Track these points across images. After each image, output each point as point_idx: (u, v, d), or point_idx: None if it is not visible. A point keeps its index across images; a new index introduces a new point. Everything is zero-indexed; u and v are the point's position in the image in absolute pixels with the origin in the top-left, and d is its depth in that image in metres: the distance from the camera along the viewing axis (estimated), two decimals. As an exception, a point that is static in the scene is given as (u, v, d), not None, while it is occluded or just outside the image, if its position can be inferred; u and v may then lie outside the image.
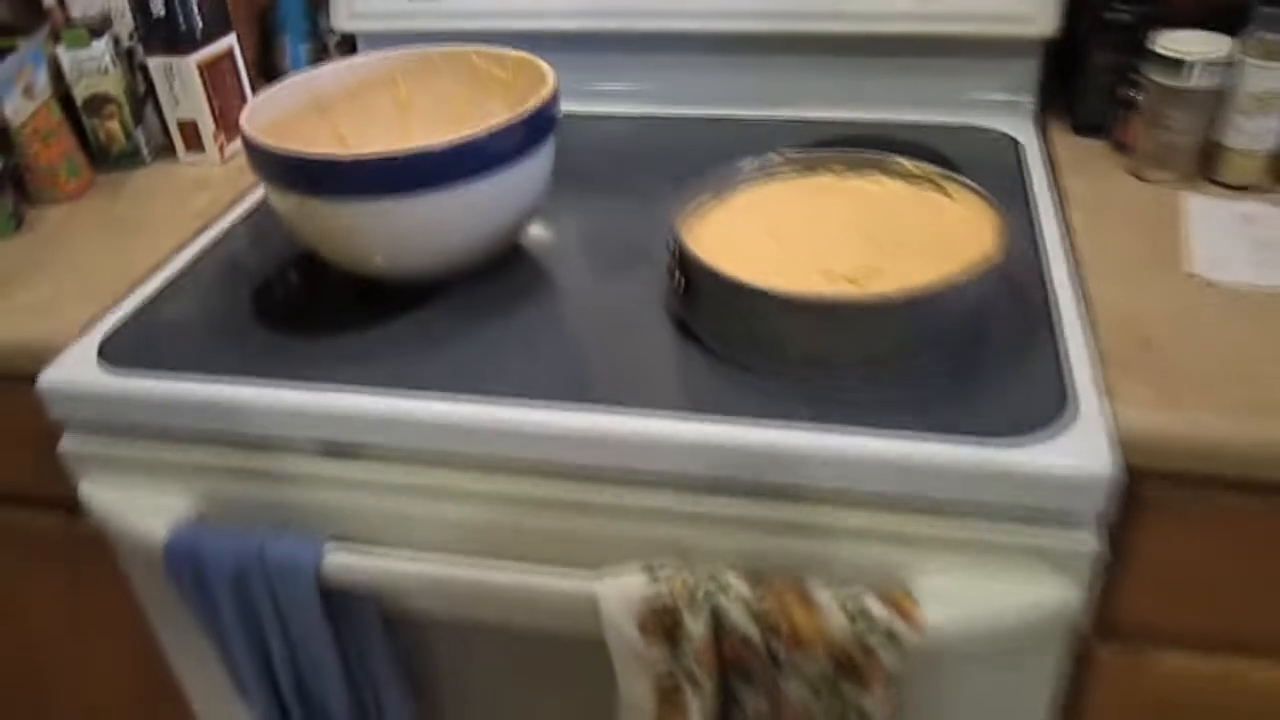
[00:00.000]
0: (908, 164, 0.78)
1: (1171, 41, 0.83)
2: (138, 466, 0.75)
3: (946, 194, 0.77)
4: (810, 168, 0.81)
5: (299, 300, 0.81)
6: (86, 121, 1.00)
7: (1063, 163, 0.92)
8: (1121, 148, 0.91)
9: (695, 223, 0.76)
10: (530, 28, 1.03)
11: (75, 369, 0.74)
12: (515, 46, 0.84)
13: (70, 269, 0.87)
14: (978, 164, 0.92)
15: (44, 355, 0.76)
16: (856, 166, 0.80)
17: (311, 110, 0.85)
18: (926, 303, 0.64)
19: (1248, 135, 0.83)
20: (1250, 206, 0.83)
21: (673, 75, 1.07)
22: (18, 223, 0.93)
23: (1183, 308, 0.71)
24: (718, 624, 0.63)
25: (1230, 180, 0.86)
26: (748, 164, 0.80)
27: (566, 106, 1.08)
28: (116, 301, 0.82)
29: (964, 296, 0.66)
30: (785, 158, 0.80)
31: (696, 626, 0.63)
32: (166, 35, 0.96)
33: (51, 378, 0.74)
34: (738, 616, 0.62)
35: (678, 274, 0.70)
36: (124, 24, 1.00)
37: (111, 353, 0.75)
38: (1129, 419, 0.62)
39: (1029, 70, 0.99)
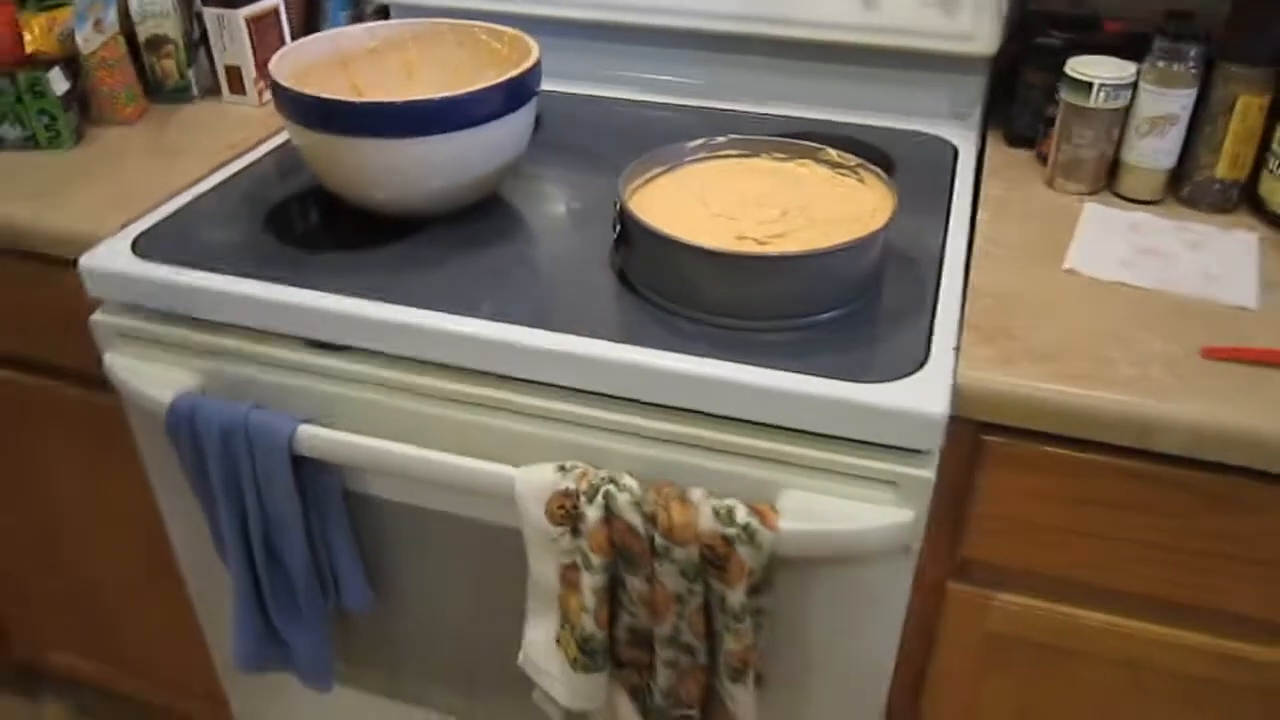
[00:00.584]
0: (834, 154, 0.90)
1: (1081, 65, 0.94)
2: (153, 343, 0.89)
3: (862, 182, 0.88)
4: (753, 152, 0.93)
5: (308, 223, 0.95)
6: (146, 58, 1.15)
7: (990, 169, 1.03)
8: (1043, 159, 1.02)
9: (642, 188, 0.88)
10: (536, 12, 1.16)
11: (111, 256, 0.88)
12: (518, 27, 0.97)
13: (117, 179, 1.01)
14: (914, 163, 1.04)
15: (87, 244, 0.91)
16: (792, 154, 0.92)
17: (334, 64, 0.99)
18: (810, 261, 0.76)
19: (1142, 153, 0.94)
20: (1141, 217, 0.94)
21: (658, 66, 1.19)
22: (78, 137, 1.08)
23: (1048, 294, 0.82)
24: (609, 513, 0.76)
25: (1129, 193, 0.96)
26: (696, 144, 0.92)
27: (560, 87, 1.21)
28: (153, 207, 0.96)
29: (847, 260, 0.77)
30: (730, 141, 0.93)
31: (592, 513, 0.76)
32: (221, -11, 1.11)
33: (90, 260, 0.88)
34: (625, 506, 0.75)
35: (616, 225, 0.83)
36: (186, -24, 1.15)
37: (143, 246, 0.89)
38: (966, 374, 0.74)
39: (975, 85, 1.10)
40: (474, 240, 0.91)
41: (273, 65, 0.89)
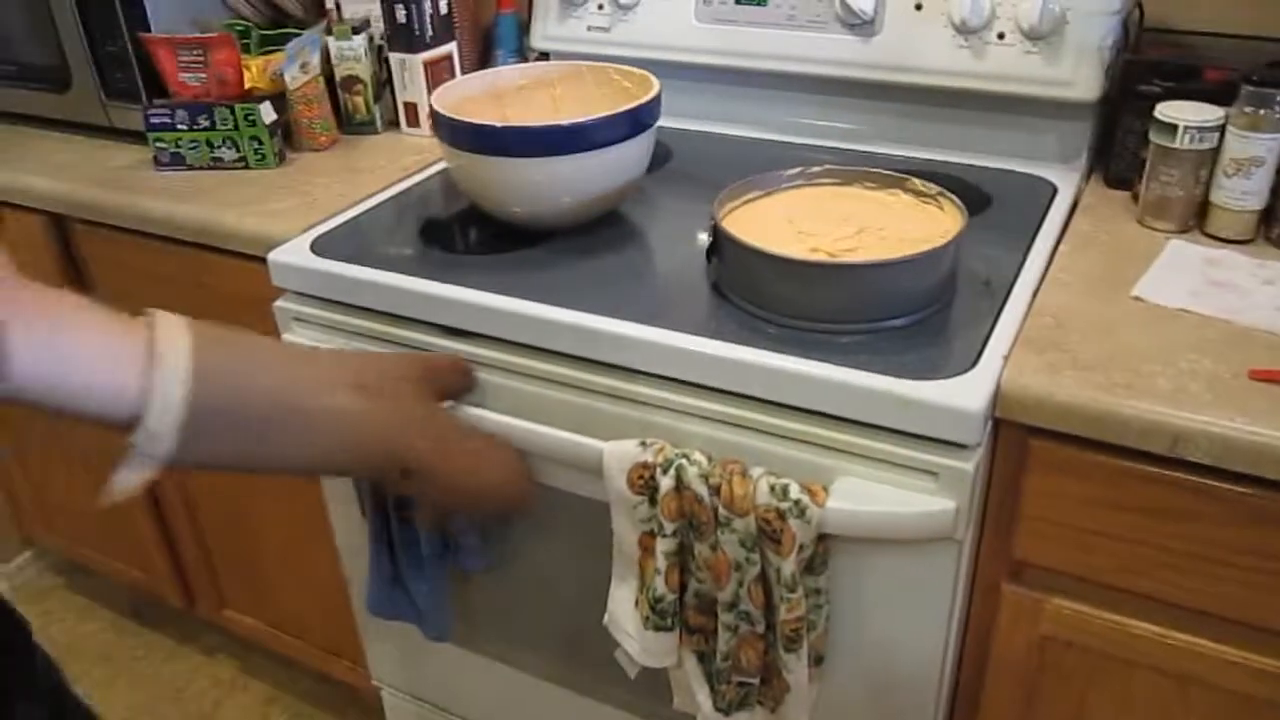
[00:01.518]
0: (919, 184, 0.98)
1: (1170, 109, 0.99)
2: (322, 325, 1.06)
3: (942, 209, 0.96)
4: (845, 181, 1.02)
5: (457, 232, 1.11)
6: (340, 95, 1.35)
7: (1083, 207, 1.09)
8: (1138, 200, 1.07)
9: (739, 208, 0.99)
10: (673, 59, 1.30)
11: (294, 253, 1.06)
12: (657, 72, 1.10)
13: (307, 193, 1.20)
14: (1010, 200, 1.10)
15: (278, 243, 1.09)
16: (881, 183, 1.01)
17: (489, 98, 1.15)
18: (869, 270, 0.85)
19: (1229, 193, 0.98)
20: (1221, 253, 0.97)
21: (782, 109, 1.30)
22: (280, 159, 1.29)
23: (1107, 317, 0.88)
24: (680, 483, 0.86)
25: (1217, 232, 1.00)
26: (793, 171, 1.02)
27: (693, 125, 1.34)
28: (332, 216, 1.14)
29: (908, 271, 0.86)
30: (825, 170, 1.02)
31: (666, 483, 0.86)
32: (405, 38, 1.30)
33: (277, 255, 1.06)
34: (694, 478, 0.85)
35: (709, 236, 0.94)
36: (378, 26, 1.35)
37: (320, 246, 1.07)
38: (1011, 378, 0.80)
39: (1081, 130, 1.16)
40: (591, 250, 1.04)
41: (435, 96, 1.06)
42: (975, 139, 1.21)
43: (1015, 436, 0.83)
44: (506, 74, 1.17)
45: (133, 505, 1.55)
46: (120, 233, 1.26)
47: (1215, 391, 0.78)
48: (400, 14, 1.28)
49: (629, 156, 1.04)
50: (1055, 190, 1.13)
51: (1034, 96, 1.13)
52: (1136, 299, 0.90)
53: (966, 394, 0.79)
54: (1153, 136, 1.00)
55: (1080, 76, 1.10)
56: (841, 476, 0.85)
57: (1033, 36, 1.11)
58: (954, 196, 0.95)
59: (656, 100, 1.04)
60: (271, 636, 1.60)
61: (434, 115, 1.03)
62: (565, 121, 0.98)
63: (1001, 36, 1.13)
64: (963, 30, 1.13)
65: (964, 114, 1.20)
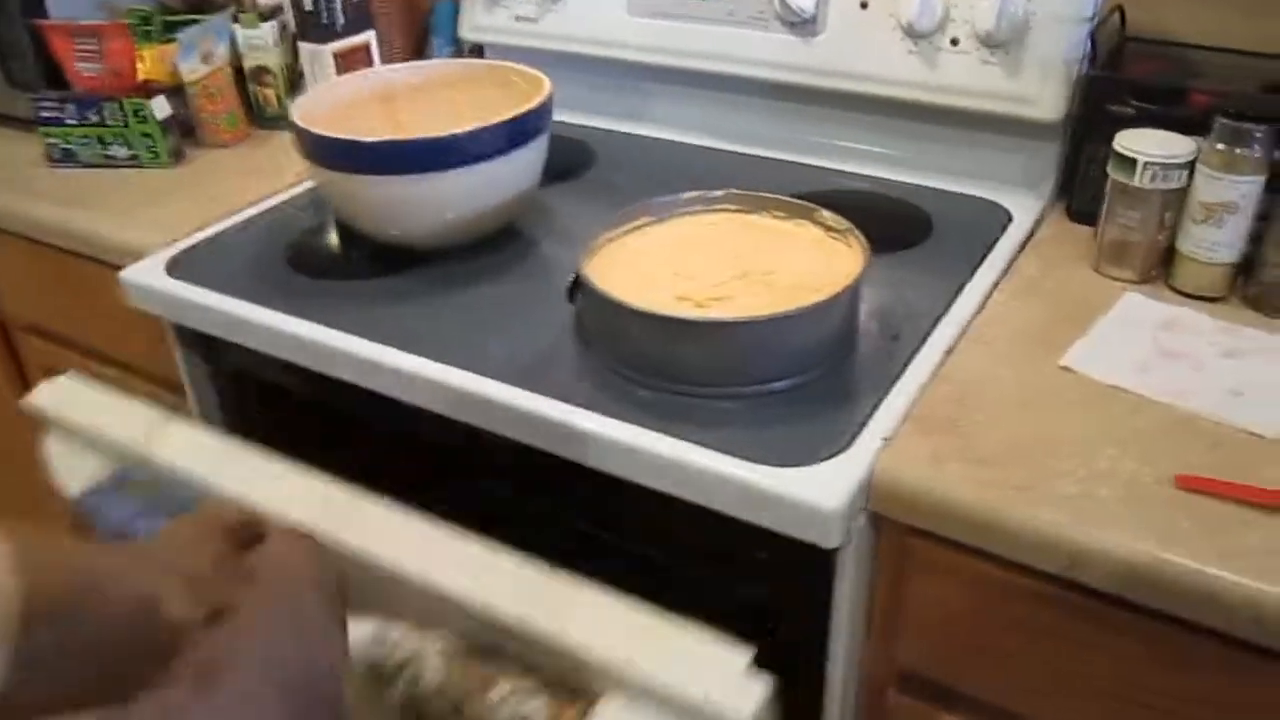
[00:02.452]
0: (829, 217, 0.85)
1: (1130, 139, 0.83)
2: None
3: (850, 247, 0.83)
4: (752, 208, 0.89)
5: (328, 252, 1.00)
6: (250, 87, 1.25)
7: (1035, 243, 0.94)
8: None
9: (623, 237, 0.87)
10: (603, 54, 1.17)
11: (146, 273, 0.96)
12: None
13: (196, 197, 1.10)
14: (955, 229, 0.96)
15: (136, 257, 0.99)
16: (791, 213, 0.88)
17: (379, 100, 1.04)
18: (737, 329, 0.72)
19: (1197, 242, 0.82)
20: (1182, 313, 0.82)
21: (724, 112, 1.17)
22: (177, 157, 1.19)
23: (1024, 391, 0.74)
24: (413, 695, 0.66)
25: (1183, 286, 0.85)
26: (692, 196, 0.89)
27: (621, 126, 1.22)
28: (208, 225, 1.04)
29: (782, 329, 0.73)
30: (727, 195, 0.89)
31: (394, 693, 0.67)
32: (314, 26, 1.19)
33: (128, 275, 0.97)
34: (430, 690, 0.62)
35: (572, 276, 0.82)
36: (290, 14, 1.24)
37: (177, 264, 0.97)
38: (886, 466, 0.67)
39: (1048, 154, 1.00)
40: (473, 277, 0.92)
41: (300, 101, 0.95)
42: (929, 157, 1.06)
43: (895, 532, 0.70)
44: (400, 73, 1.05)
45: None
46: (11, 236, 1.18)
47: (1130, 502, 0.64)
48: (307, 1, 1.17)
49: (514, 170, 0.92)
50: (1009, 220, 0.98)
51: (990, 113, 0.98)
52: (1065, 369, 0.76)
53: (826, 487, 0.66)
54: (1110, 170, 0.85)
55: (1044, 92, 0.95)
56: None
57: (990, 44, 0.96)
58: (861, 236, 0.81)
59: (544, 108, 0.92)
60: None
61: (292, 126, 0.92)
62: (432, 135, 0.87)
63: (955, 43, 0.98)
64: (912, 34, 0.99)
65: (916, 127, 1.06)
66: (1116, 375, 0.75)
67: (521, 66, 1.01)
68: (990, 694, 0.72)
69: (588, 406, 0.74)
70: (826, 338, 0.76)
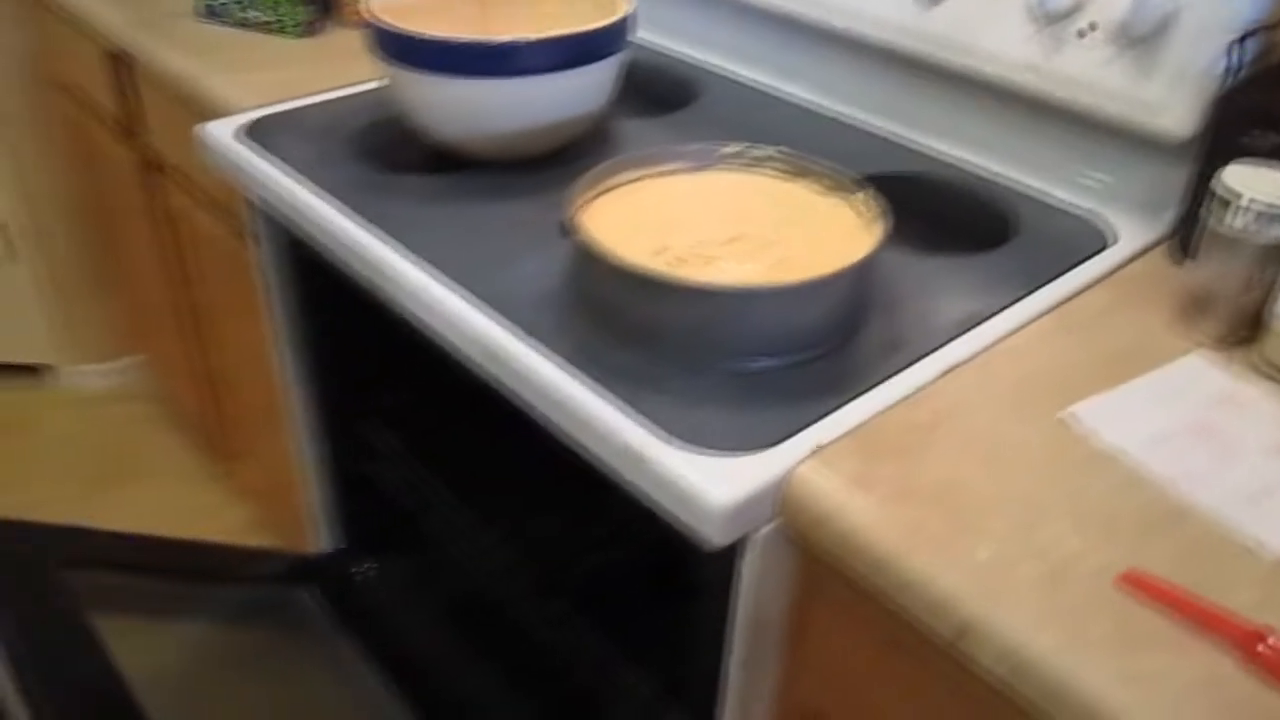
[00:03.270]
0: (861, 200, 0.76)
1: (1238, 174, 0.70)
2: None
3: (858, 212, 0.74)
4: (794, 174, 0.82)
5: (396, 142, 1.00)
6: (391, -28, 1.26)
7: (1126, 275, 0.82)
8: (1192, 285, 0.78)
9: (647, 179, 0.82)
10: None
11: (221, 132, 1.00)
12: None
13: (305, 71, 1.13)
14: (1040, 240, 0.85)
15: (227, 115, 1.03)
16: (831, 188, 0.80)
17: (472, 2, 1.02)
18: (692, 294, 0.66)
19: (1289, 311, 0.69)
20: (1247, 393, 0.69)
21: (825, 69, 1.08)
22: (311, 30, 1.23)
23: (1002, 431, 0.64)
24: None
25: (1272, 356, 0.71)
26: (735, 149, 0.83)
27: (727, 63, 1.16)
28: (299, 97, 1.06)
29: (737, 305, 0.66)
30: (777, 153, 0.82)
31: None
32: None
33: (204, 129, 1.00)
34: None
35: (566, 221, 0.77)
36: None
37: (254, 130, 1.00)
38: (805, 476, 0.60)
39: (1165, 173, 0.86)
40: (511, 192, 0.89)
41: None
42: (1035, 154, 0.94)
43: (807, 555, 0.64)
44: (498, -24, 1.03)
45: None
46: (155, 79, 1.26)
47: (1049, 587, 0.54)
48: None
49: (575, 88, 0.89)
50: (1106, 243, 0.85)
51: (1109, 115, 0.85)
52: (1062, 421, 0.65)
53: (724, 480, 0.60)
54: (1207, 206, 0.72)
55: (1174, 102, 0.81)
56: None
57: (1123, 38, 0.82)
58: (885, 227, 0.73)
59: (613, 29, 0.88)
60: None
61: (362, 21, 0.91)
62: (496, 39, 0.85)
63: (1082, 35, 0.85)
64: (1039, 15, 0.86)
65: (1028, 120, 0.93)
66: (1123, 440, 0.64)
67: (615, -17, 0.96)
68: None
69: (530, 332, 0.71)
70: (803, 326, 0.69)
